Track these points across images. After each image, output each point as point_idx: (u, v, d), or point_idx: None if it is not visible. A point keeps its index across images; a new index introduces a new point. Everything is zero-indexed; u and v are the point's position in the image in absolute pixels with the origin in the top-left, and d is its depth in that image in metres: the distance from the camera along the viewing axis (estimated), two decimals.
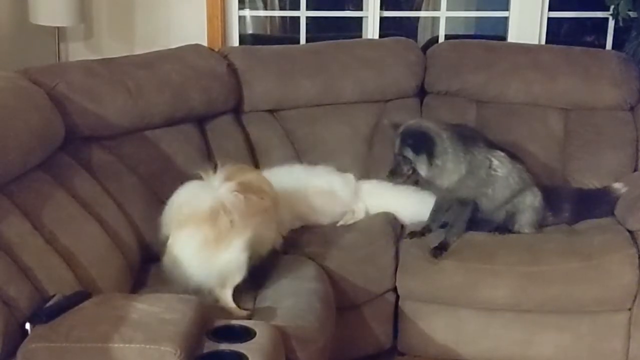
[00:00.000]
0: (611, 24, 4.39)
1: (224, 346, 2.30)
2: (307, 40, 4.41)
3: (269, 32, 5.72)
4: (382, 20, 4.42)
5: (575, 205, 3.61)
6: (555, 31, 4.59)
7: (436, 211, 3.47)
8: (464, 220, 3.36)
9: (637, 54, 3.96)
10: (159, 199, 3.23)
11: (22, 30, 3.94)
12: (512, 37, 4.41)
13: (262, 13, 5.31)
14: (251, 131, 3.82)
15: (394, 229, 3.47)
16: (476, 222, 3.41)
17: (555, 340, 3.32)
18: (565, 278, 3.22)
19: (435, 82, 4.04)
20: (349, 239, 3.35)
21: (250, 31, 5.23)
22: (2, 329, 2.18)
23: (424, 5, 5.44)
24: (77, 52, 4.19)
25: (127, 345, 2.14)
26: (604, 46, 4.48)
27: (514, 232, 3.43)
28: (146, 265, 3.04)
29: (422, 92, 4.09)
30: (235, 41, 4.36)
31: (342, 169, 3.76)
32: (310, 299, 2.81)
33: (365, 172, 3.76)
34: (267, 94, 3.87)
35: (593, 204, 3.62)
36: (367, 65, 3.99)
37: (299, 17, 4.45)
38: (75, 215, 2.80)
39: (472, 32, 5.36)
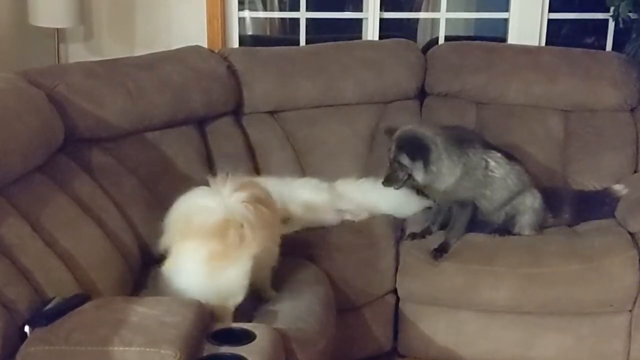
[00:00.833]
0: (611, 25, 4.39)
1: (225, 349, 2.29)
2: (307, 42, 4.41)
3: (268, 34, 5.71)
4: (382, 21, 4.42)
5: (576, 207, 3.60)
6: (556, 32, 4.59)
7: (436, 213, 3.47)
8: (463, 221, 3.36)
9: (637, 55, 3.95)
10: (159, 201, 3.22)
11: (21, 32, 3.94)
12: (512, 39, 4.41)
13: (262, 14, 5.30)
14: (251, 133, 3.82)
15: (394, 230, 3.47)
16: (476, 223, 3.41)
17: (556, 342, 3.32)
18: (565, 280, 3.22)
19: (436, 83, 4.04)
20: (349, 241, 3.35)
21: (250, 32, 5.22)
22: (1, 331, 2.17)
23: (423, 6, 5.44)
24: (77, 53, 4.19)
25: (127, 348, 2.13)
26: (604, 47, 4.47)
27: (514, 234, 3.43)
28: (146, 268, 3.03)
29: (422, 94, 4.08)
30: (235, 42, 4.36)
31: (342, 170, 3.77)
32: (311, 302, 2.81)
33: (366, 174, 3.76)
34: (267, 96, 3.87)
35: (593, 205, 3.62)
36: (367, 67, 3.99)
37: (298, 19, 4.45)
38: (75, 217, 2.80)
39: (472, 34, 5.35)
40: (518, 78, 3.98)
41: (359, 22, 4.55)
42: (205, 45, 4.06)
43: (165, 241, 2.66)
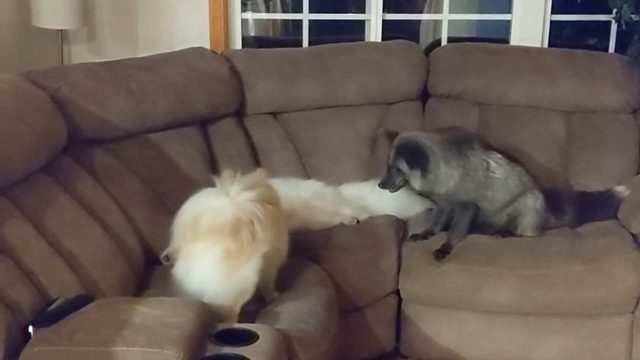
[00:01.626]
0: (614, 27, 4.39)
1: (227, 349, 2.29)
2: (310, 43, 4.42)
3: (271, 35, 5.71)
4: (385, 23, 4.42)
5: (578, 208, 3.60)
6: (558, 34, 4.58)
7: (438, 214, 3.47)
8: (466, 222, 3.37)
9: (639, 57, 3.95)
10: (161, 202, 3.24)
11: (24, 33, 3.95)
12: (514, 40, 4.41)
13: (264, 16, 5.30)
14: (254, 134, 3.82)
15: (397, 232, 3.47)
16: (478, 225, 3.41)
17: (558, 343, 3.31)
18: (568, 281, 3.22)
19: (438, 84, 4.05)
20: (352, 241, 3.35)
21: (252, 34, 5.23)
22: (4, 332, 2.18)
23: (426, 8, 5.44)
24: (80, 54, 4.20)
25: (130, 348, 2.14)
26: (606, 49, 4.47)
27: (516, 236, 3.43)
28: (149, 268, 3.04)
29: (424, 95, 4.09)
30: (237, 44, 4.37)
31: (344, 171, 3.78)
32: (313, 302, 2.81)
33: (368, 175, 3.76)
34: (270, 97, 3.88)
35: (595, 206, 3.62)
36: (370, 68, 4.00)
37: (301, 20, 4.45)
38: (78, 218, 2.80)
39: (474, 35, 5.35)
40: (520, 79, 3.98)
41: (361, 23, 4.56)
42: (208, 47, 4.07)
43: (174, 243, 2.64)
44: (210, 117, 3.67)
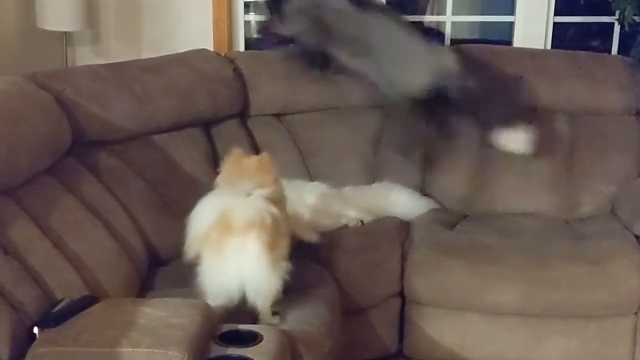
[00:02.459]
0: (617, 28, 4.39)
1: (231, 350, 2.30)
2: None
3: None
4: None
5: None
6: (561, 36, 4.58)
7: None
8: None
9: None
10: (165, 203, 3.25)
11: (29, 35, 3.96)
12: (517, 42, 4.41)
13: None
14: (257, 135, 3.82)
15: (400, 232, 3.48)
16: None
17: (562, 345, 3.32)
18: (571, 283, 3.22)
19: None
20: (355, 243, 3.35)
21: (255, 35, 5.22)
22: (10, 333, 2.19)
23: (429, 9, 5.43)
24: (84, 56, 4.21)
25: (135, 349, 2.14)
26: (609, 51, 4.47)
27: None
28: (153, 269, 3.05)
29: None
30: (241, 45, 4.37)
31: (348, 173, 3.77)
32: (316, 304, 2.82)
33: (372, 177, 3.77)
34: (273, 98, 3.88)
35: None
36: None
37: None
38: (83, 219, 2.81)
39: (477, 37, 5.35)
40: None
41: None
42: (212, 49, 4.08)
43: (194, 246, 2.57)
44: (214, 118, 3.68)
